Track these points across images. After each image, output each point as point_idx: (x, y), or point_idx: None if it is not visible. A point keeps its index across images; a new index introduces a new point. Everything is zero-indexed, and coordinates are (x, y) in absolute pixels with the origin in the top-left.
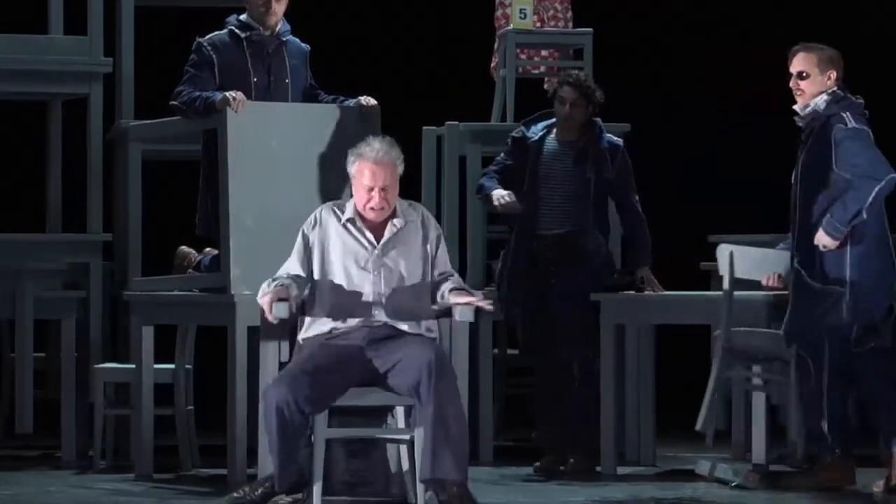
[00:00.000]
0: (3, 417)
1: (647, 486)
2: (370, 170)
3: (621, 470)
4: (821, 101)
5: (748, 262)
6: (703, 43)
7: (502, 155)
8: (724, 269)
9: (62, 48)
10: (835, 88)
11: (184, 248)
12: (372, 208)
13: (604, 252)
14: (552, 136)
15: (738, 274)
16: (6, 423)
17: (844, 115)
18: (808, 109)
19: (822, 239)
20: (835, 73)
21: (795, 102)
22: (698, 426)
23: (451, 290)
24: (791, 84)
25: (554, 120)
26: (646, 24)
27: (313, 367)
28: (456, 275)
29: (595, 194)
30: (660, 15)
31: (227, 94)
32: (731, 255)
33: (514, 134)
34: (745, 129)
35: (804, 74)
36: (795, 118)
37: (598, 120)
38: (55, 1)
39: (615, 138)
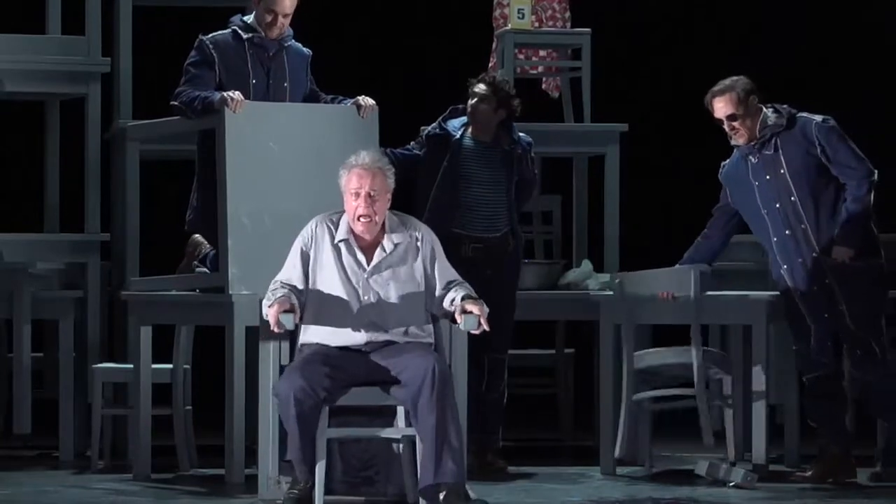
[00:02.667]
0: (1, 417)
1: (645, 487)
2: (356, 174)
3: (619, 470)
4: (769, 118)
5: (640, 282)
6: (701, 43)
7: (412, 144)
8: (618, 298)
9: (60, 48)
10: (762, 107)
11: (197, 236)
12: (359, 217)
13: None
14: (468, 135)
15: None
16: (4, 423)
17: (803, 114)
18: (763, 129)
19: (846, 254)
20: (755, 97)
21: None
22: (616, 454)
23: (462, 298)
24: (726, 129)
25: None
26: (644, 25)
27: (322, 358)
28: (465, 284)
29: (517, 194)
30: (658, 15)
31: (226, 94)
32: (621, 282)
33: (432, 129)
34: None
35: (734, 116)
36: (742, 147)
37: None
38: (53, 1)
39: (527, 136)
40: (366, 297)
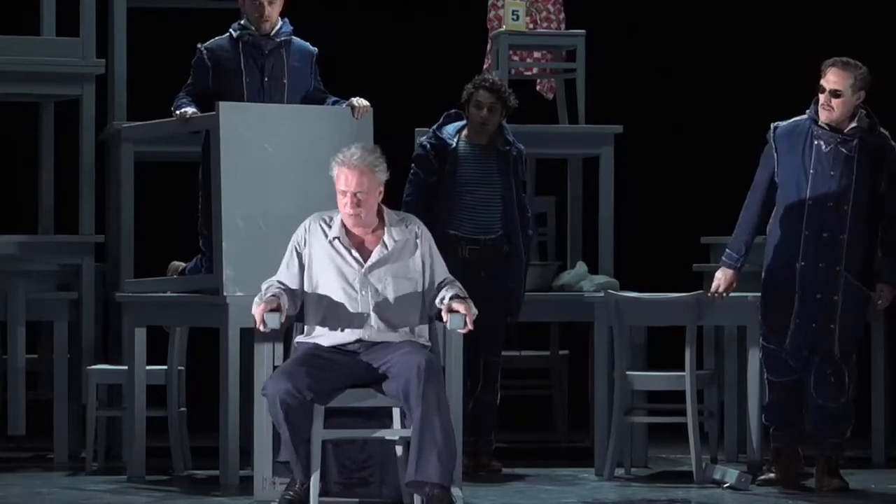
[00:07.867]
0: None
1: (640, 488)
2: (343, 174)
3: (614, 471)
4: (863, 119)
5: (637, 309)
6: (696, 44)
7: (420, 174)
8: (612, 319)
9: (54, 49)
10: (861, 106)
11: (175, 262)
12: (348, 214)
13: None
14: (463, 139)
15: (632, 322)
16: None
17: (884, 131)
18: (852, 126)
19: (891, 293)
20: (864, 94)
21: (807, 105)
22: (605, 475)
23: (451, 297)
24: (822, 99)
25: (462, 123)
26: (639, 26)
27: (309, 361)
28: (456, 284)
29: (516, 195)
30: (652, 16)
31: (183, 110)
32: (617, 303)
33: (429, 142)
34: (738, 130)
35: (839, 93)
36: (819, 128)
37: (503, 121)
38: (47, 2)
39: (519, 143)
40: (363, 293)
